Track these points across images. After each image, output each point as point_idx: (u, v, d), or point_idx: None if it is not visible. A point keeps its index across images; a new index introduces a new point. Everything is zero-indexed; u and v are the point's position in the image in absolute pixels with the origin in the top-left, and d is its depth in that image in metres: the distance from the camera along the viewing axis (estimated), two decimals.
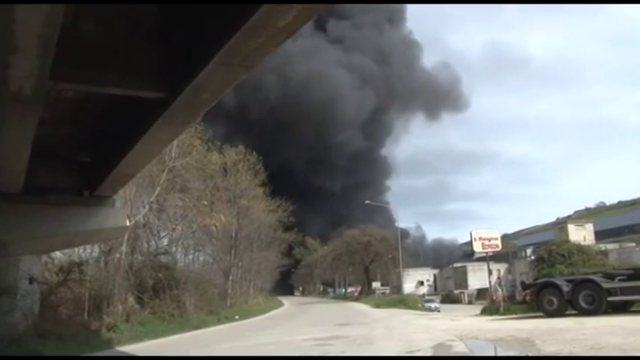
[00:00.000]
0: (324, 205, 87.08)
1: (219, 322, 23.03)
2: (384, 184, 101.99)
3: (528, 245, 54.17)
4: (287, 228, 46.20)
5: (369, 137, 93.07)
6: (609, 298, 15.16)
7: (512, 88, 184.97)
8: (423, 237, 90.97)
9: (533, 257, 33.30)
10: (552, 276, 19.21)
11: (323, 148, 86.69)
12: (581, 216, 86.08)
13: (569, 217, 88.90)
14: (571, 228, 35.01)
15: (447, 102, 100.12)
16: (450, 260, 70.26)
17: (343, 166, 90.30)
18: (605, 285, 15.36)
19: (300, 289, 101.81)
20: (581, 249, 23.85)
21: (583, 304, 15.44)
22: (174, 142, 18.83)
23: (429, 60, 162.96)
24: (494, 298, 21.27)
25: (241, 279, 37.61)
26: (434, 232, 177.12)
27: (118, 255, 18.22)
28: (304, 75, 79.51)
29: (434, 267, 67.97)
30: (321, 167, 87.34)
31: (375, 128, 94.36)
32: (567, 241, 27.47)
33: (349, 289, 74.40)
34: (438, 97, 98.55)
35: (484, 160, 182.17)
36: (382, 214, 76.15)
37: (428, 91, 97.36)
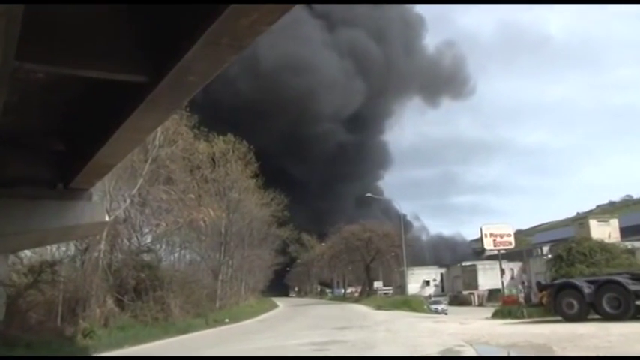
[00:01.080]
0: (310, 199, 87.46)
1: (208, 325, 23.04)
2: (378, 176, 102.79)
3: (545, 242, 54.50)
4: (281, 223, 46.16)
5: (361, 127, 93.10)
6: (637, 302, 14.90)
7: (528, 71, 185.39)
8: (422, 230, 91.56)
9: (550, 255, 33.30)
10: (571, 276, 19.17)
11: (304, 140, 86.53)
12: (605, 211, 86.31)
13: (590, 212, 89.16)
14: (593, 224, 35.18)
15: (452, 86, 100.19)
16: (456, 257, 70.60)
17: (330, 159, 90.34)
18: (633, 287, 15.10)
19: (296, 289, 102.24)
20: (604, 247, 23.79)
21: (607, 308, 15.29)
22: (158, 130, 18.75)
23: (433, 40, 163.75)
24: (516, 299, 21.30)
25: (232, 278, 37.60)
26: (440, 228, 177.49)
27: (95, 253, 18.14)
28: (280, 58, 76.56)
29: (441, 266, 68.34)
30: (304, 160, 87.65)
31: (368, 117, 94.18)
32: (588, 238, 27.35)
33: (349, 290, 74.69)
34: (441, 80, 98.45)
35: (496, 149, 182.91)
36: (379, 208, 76.59)
37: (430, 74, 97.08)
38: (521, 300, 20.71)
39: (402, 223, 48.82)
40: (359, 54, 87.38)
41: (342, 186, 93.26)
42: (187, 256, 33.75)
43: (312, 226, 75.66)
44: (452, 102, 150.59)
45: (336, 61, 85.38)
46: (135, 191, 19.97)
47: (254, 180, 36.45)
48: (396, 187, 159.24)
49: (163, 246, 27.50)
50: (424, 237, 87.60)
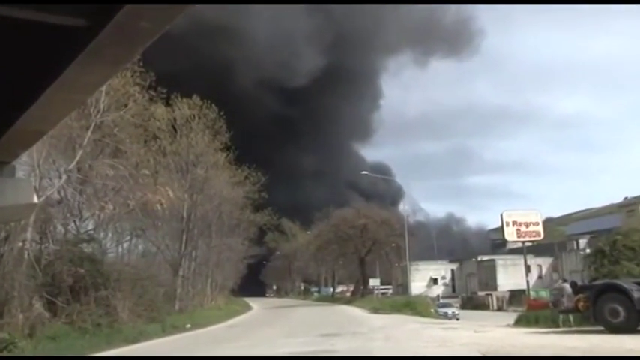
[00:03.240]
0: (294, 178, 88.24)
1: (164, 332, 23.06)
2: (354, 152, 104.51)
3: (582, 234, 55.00)
4: (257, 207, 46.18)
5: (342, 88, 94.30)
6: None
7: (564, 20, 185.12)
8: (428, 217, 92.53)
9: (588, 250, 33.72)
10: (616, 276, 19.34)
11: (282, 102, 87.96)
12: None
13: None
14: None
15: (456, 38, 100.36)
16: (471, 251, 71.45)
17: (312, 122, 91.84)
18: None
19: (274, 287, 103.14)
20: None
21: None
22: (103, 89, 18.59)
23: None
24: (545, 304, 21.48)
25: (195, 274, 37.79)
26: (451, 215, 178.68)
27: (20, 244, 17.94)
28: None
29: (452, 260, 69.09)
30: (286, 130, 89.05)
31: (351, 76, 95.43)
32: (639, 229, 27.56)
33: (339, 288, 75.36)
34: (442, 32, 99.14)
35: (522, 119, 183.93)
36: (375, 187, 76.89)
37: (429, 23, 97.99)
38: (556, 304, 20.87)
39: (405, 209, 49.14)
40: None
41: (332, 160, 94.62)
42: (140, 247, 34.08)
43: (295, 211, 75.95)
44: (463, 59, 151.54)
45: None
46: (73, 165, 19.75)
47: (225, 154, 36.58)
48: (398, 164, 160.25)
49: (109, 234, 27.61)
50: (430, 224, 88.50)
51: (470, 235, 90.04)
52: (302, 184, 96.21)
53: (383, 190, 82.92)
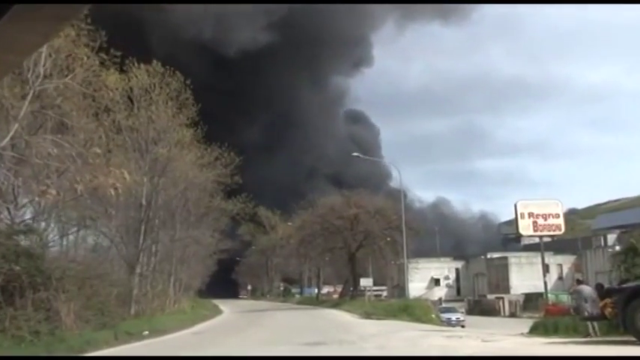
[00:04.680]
0: (273, 159, 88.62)
1: (117, 340, 22.91)
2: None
3: (611, 228, 55.17)
4: (230, 193, 46.01)
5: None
6: None
7: None
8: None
9: (618, 247, 33.89)
10: None
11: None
12: None
13: None
14: None
15: None
16: (479, 247, 71.70)
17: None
18: None
19: (249, 288, 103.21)
20: None
21: None
22: (43, 51, 18.21)
23: None
24: (566, 309, 21.60)
25: (156, 273, 37.62)
26: (458, 204, 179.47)
27: None
28: None
29: (457, 258, 69.40)
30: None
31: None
32: None
33: (325, 290, 75.63)
34: None
35: (542, 93, 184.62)
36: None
37: None
38: (572, 310, 20.99)
39: (403, 196, 49.07)
40: None
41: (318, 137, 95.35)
42: (89, 240, 33.73)
43: (274, 199, 75.89)
44: (471, 23, 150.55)
45: None
46: (6, 142, 19.42)
47: (191, 130, 36.46)
48: (396, 144, 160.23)
49: (52, 224, 27.30)
50: (430, 214, 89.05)
51: (479, 229, 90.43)
52: (281, 167, 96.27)
53: (367, 173, 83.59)
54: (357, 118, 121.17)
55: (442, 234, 78.86)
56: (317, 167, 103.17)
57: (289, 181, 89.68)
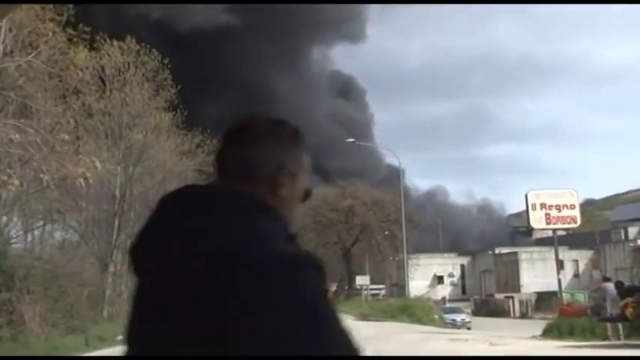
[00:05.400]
0: None
1: (88, 346, 22.97)
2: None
3: (632, 221, 55.09)
4: None
5: None
6: None
7: None
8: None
9: None
10: None
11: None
12: None
13: None
14: None
15: None
16: (486, 241, 71.89)
17: None
18: None
19: None
20: None
21: None
22: (3, 25, 18.03)
23: None
24: (583, 309, 21.61)
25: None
26: (462, 195, 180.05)
27: None
28: None
29: (462, 253, 69.61)
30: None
31: None
32: None
33: None
34: None
35: (555, 72, 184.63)
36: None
37: None
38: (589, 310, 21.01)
39: (402, 186, 49.07)
40: None
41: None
42: (57, 235, 33.96)
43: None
44: None
45: None
46: None
47: (170, 114, 36.50)
48: (394, 129, 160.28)
49: (14, 219, 27.44)
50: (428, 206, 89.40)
51: (485, 222, 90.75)
52: None
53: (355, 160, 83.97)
54: (346, 95, 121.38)
55: (441, 227, 79.09)
56: None
57: None
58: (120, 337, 18.89)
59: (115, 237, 33.02)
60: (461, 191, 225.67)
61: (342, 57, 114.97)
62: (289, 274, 1.39)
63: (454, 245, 73.59)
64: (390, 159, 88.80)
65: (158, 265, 1.46)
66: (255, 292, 1.33)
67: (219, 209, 1.48)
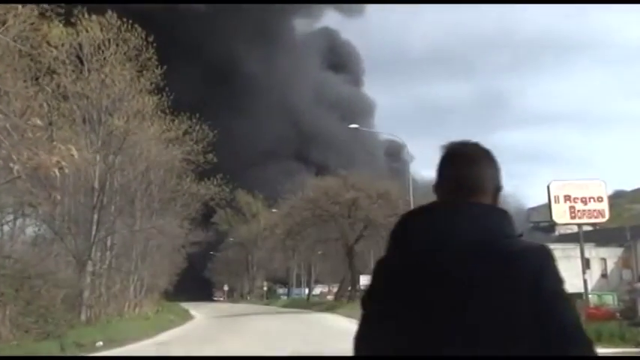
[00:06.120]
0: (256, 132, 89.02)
1: (64, 351, 23.00)
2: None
3: None
4: (202, 174, 45.72)
5: None
6: None
7: None
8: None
9: None
10: None
11: None
12: None
13: None
14: None
15: None
16: None
17: None
18: None
19: (226, 288, 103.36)
20: None
21: None
22: None
23: None
24: (611, 313, 21.51)
25: (112, 270, 37.72)
26: None
27: None
28: None
29: None
30: None
31: None
32: None
33: (317, 290, 75.69)
34: None
35: (580, 48, 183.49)
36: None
37: None
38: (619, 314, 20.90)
39: (409, 176, 48.93)
40: None
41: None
42: (29, 231, 33.60)
43: (256, 181, 75.73)
44: None
45: None
46: None
47: (154, 97, 36.37)
48: (401, 113, 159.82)
49: None
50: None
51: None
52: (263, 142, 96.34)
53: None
54: (342, 73, 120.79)
55: None
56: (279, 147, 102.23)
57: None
58: (99, 343, 19.00)
59: (93, 233, 32.89)
60: None
61: (337, 31, 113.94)
62: (552, 261, 2.04)
63: None
64: (392, 146, 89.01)
65: (439, 270, 1.94)
66: (550, 274, 1.97)
67: (492, 220, 2.03)
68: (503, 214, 2.04)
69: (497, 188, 2.17)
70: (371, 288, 2.23)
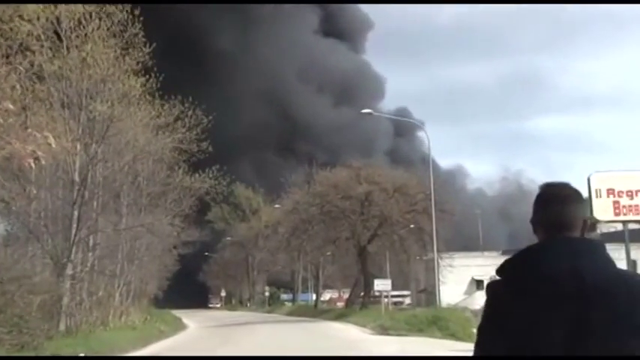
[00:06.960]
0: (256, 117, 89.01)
1: None
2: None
3: None
4: (196, 165, 45.51)
5: None
6: None
7: None
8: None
9: None
10: None
11: None
12: None
13: None
14: None
15: None
16: (533, 237, 71.63)
17: None
18: None
19: (223, 294, 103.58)
20: None
21: None
22: None
23: None
24: None
25: (94, 274, 37.85)
26: (505, 178, 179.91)
27: None
28: None
29: (505, 252, 69.40)
30: None
31: None
32: None
33: (326, 295, 75.70)
34: None
35: (624, 24, 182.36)
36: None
37: None
38: None
39: (431, 166, 48.73)
40: None
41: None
42: (0, 229, 34.27)
43: (257, 172, 75.66)
44: None
45: None
46: None
47: (142, 79, 36.03)
48: (422, 98, 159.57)
49: None
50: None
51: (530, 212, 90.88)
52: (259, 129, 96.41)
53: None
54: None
55: (487, 219, 78.80)
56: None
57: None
58: (81, 354, 18.87)
59: (74, 231, 32.68)
60: (501, 174, 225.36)
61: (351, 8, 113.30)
62: None
63: (495, 242, 73.39)
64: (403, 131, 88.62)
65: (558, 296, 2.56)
66: None
67: (598, 253, 2.70)
68: (604, 247, 2.74)
69: (585, 222, 2.80)
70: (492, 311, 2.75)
